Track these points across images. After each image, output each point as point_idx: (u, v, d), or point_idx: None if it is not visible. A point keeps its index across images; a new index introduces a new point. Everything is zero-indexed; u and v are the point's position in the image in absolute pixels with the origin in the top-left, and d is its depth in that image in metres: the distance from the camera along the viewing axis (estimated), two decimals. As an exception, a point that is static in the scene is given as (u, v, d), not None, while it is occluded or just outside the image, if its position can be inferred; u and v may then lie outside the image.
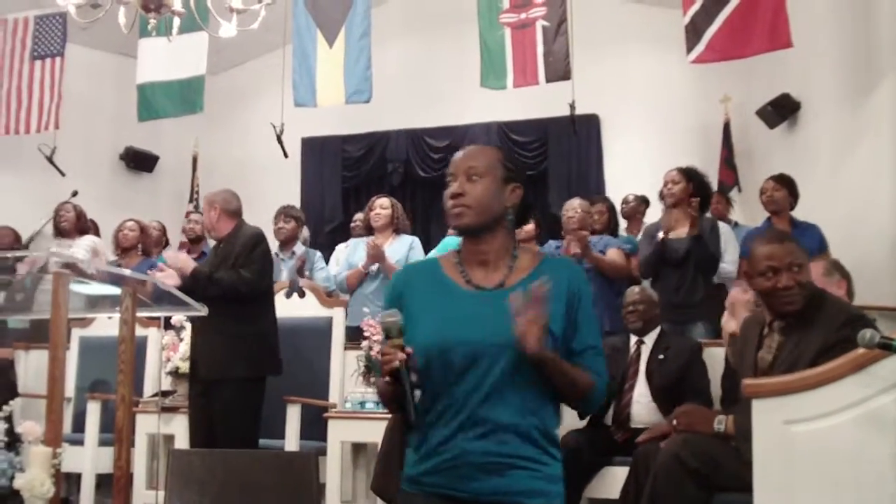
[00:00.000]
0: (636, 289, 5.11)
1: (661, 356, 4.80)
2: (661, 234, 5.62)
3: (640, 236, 6.41)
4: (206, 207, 5.15)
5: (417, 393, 2.12)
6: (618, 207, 7.53)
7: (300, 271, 6.21)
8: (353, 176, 10.67)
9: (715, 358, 4.82)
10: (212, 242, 5.56)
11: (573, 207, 6.15)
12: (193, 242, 7.42)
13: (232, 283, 4.84)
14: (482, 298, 2.24)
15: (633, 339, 4.94)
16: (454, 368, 2.16)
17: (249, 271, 4.91)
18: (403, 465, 2.31)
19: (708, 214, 5.87)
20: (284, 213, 6.77)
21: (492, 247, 2.29)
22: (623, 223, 7.59)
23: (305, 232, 7.39)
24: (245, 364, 4.87)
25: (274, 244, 6.65)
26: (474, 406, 2.15)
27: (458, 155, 2.33)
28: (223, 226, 5.10)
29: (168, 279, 4.53)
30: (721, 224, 5.94)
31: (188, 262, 4.93)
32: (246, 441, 4.83)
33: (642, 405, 4.72)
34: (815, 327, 3.16)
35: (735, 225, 7.06)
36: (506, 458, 2.14)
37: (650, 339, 4.92)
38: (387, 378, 2.13)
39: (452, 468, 2.16)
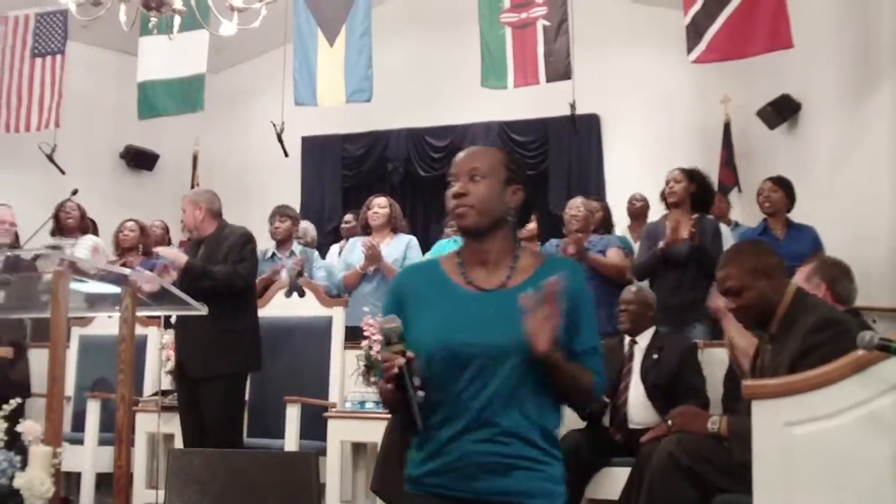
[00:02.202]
0: (632, 289, 5.11)
1: (655, 356, 4.81)
2: (661, 244, 5.60)
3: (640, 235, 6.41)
4: (191, 206, 5.19)
5: (421, 394, 2.11)
6: (624, 207, 7.55)
7: (300, 274, 6.19)
8: (354, 175, 10.67)
9: (714, 358, 4.82)
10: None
11: (576, 206, 6.16)
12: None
13: (227, 276, 4.94)
14: (483, 299, 2.23)
15: (627, 339, 4.95)
16: (456, 370, 2.16)
17: (243, 267, 5.04)
18: (405, 466, 2.31)
19: (710, 216, 5.86)
20: (279, 212, 6.78)
21: (493, 248, 2.29)
22: (626, 222, 7.60)
23: (312, 231, 7.36)
24: (231, 360, 4.97)
25: (271, 244, 6.67)
26: (477, 408, 2.15)
27: (461, 155, 2.33)
28: (207, 225, 5.18)
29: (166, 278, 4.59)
30: (722, 226, 5.94)
31: (180, 256, 4.99)
32: (235, 437, 4.92)
33: (638, 405, 4.74)
34: (793, 334, 3.16)
35: (735, 225, 7.06)
36: (509, 459, 2.14)
37: (644, 340, 4.92)
38: (389, 385, 2.12)
39: (455, 469, 2.16)
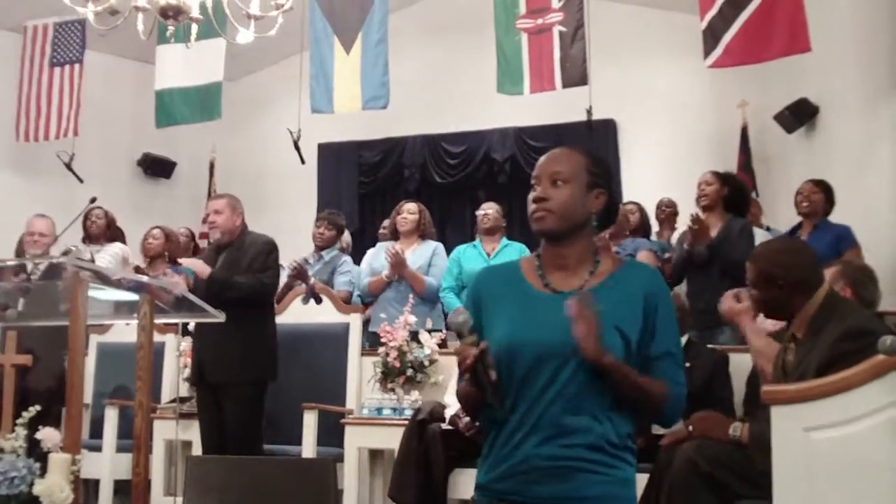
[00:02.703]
0: None
1: (688, 364, 4.78)
2: (685, 245, 5.60)
3: (675, 240, 6.39)
4: (230, 210, 5.18)
5: (493, 374, 2.10)
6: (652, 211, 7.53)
7: (301, 277, 6.04)
8: (370, 182, 10.68)
9: (741, 364, 4.78)
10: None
11: None
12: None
13: (252, 288, 4.97)
14: (557, 302, 2.17)
15: None
16: (522, 371, 2.14)
17: (267, 276, 5.08)
18: (421, 472, 2.32)
19: (741, 218, 5.81)
20: (328, 219, 6.65)
21: (573, 251, 2.26)
22: (654, 227, 7.57)
23: (348, 237, 7.32)
24: (256, 367, 5.00)
25: (309, 248, 6.62)
26: (542, 409, 2.12)
27: (544, 158, 2.30)
28: (236, 231, 5.21)
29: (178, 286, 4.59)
30: (757, 230, 5.91)
31: (205, 268, 4.99)
32: (256, 444, 4.93)
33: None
34: (821, 338, 3.13)
35: (767, 229, 7.01)
36: (574, 462, 2.11)
37: None
38: (466, 376, 2.11)
39: (521, 473, 2.13)
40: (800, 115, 8.01)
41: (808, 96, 7.84)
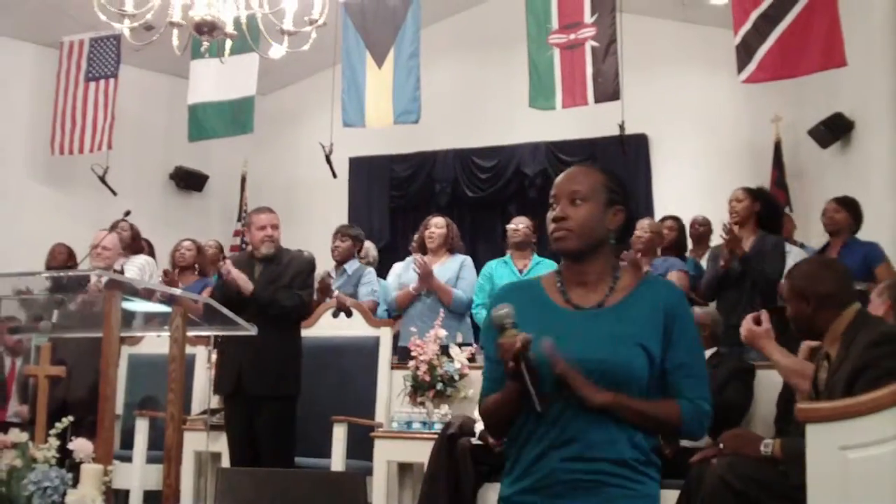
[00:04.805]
0: (696, 310, 5.06)
1: (709, 371, 4.75)
2: (721, 263, 5.57)
3: (706, 258, 6.35)
4: (276, 223, 5.30)
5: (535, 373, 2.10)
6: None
7: (325, 292, 6.15)
8: (401, 196, 10.70)
9: (770, 382, 4.73)
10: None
11: (643, 227, 6.16)
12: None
13: (294, 306, 5.12)
14: (580, 318, 2.22)
15: None
16: (547, 386, 2.13)
17: (307, 295, 5.27)
18: (451, 486, 2.31)
19: (775, 236, 5.76)
20: (342, 231, 6.76)
21: (593, 268, 2.28)
22: (689, 244, 7.52)
23: (373, 250, 7.32)
24: (292, 381, 5.09)
25: (330, 264, 6.67)
26: (565, 424, 2.14)
27: (562, 177, 2.33)
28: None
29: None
30: (790, 246, 5.87)
31: (248, 283, 5.03)
32: (288, 457, 4.96)
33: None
34: (851, 352, 3.12)
35: (802, 246, 6.95)
36: (597, 476, 2.12)
37: None
38: (511, 366, 2.10)
39: (545, 487, 2.14)
40: (835, 130, 7.94)
41: (842, 111, 7.77)
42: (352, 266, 6.61)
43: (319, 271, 6.13)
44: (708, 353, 4.89)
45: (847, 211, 6.00)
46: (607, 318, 2.20)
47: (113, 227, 7.12)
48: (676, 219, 7.07)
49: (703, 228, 7.48)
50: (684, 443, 4.61)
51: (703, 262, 6.35)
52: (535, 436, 2.17)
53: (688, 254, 7.22)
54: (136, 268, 6.77)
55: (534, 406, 2.10)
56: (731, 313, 5.45)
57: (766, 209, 5.72)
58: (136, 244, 7.29)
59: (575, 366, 2.12)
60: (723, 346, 4.99)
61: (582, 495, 2.12)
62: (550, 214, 2.28)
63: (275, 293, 5.07)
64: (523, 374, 2.09)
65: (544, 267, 6.11)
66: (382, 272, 6.93)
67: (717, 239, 6.84)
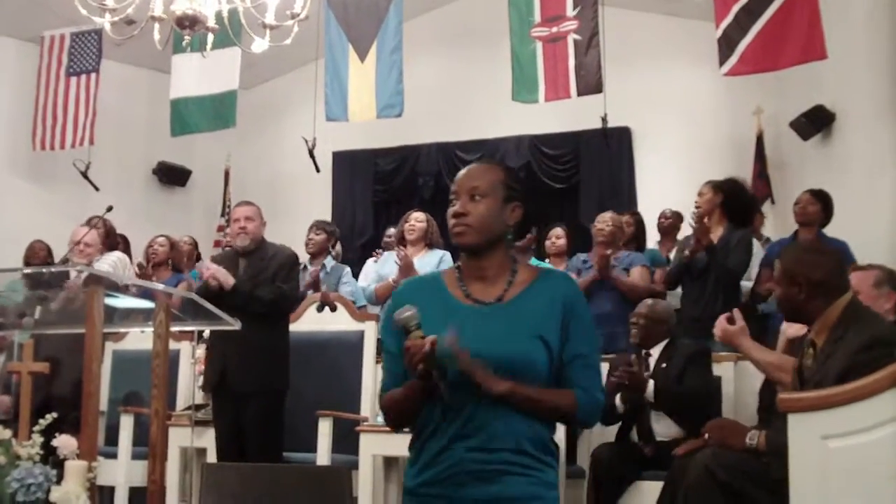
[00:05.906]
0: (648, 302, 5.08)
1: (664, 364, 4.80)
2: (686, 252, 5.61)
3: (674, 251, 6.37)
4: (258, 217, 5.32)
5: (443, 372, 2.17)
6: (654, 222, 7.49)
7: (315, 286, 6.19)
8: (385, 190, 10.70)
9: (748, 371, 4.75)
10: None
11: (604, 220, 6.15)
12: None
13: (273, 300, 5.09)
14: (480, 312, 2.30)
15: (644, 353, 4.93)
16: (450, 379, 2.19)
17: (290, 288, 5.22)
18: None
19: (743, 230, 5.77)
20: (316, 225, 6.83)
21: (491, 263, 2.35)
22: (656, 237, 7.54)
23: (338, 247, 7.38)
24: (278, 376, 5.09)
25: (304, 257, 6.69)
26: (468, 416, 2.21)
27: (462, 173, 2.40)
28: (260, 237, 5.32)
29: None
30: (755, 241, 5.90)
31: (228, 278, 5.02)
32: (276, 452, 4.97)
33: (659, 417, 4.72)
34: (841, 346, 3.10)
35: (766, 241, 6.98)
36: (498, 465, 2.19)
37: (656, 351, 4.94)
38: (419, 367, 2.14)
39: (449, 477, 2.21)
40: (816, 123, 7.97)
41: (824, 103, 7.80)
42: (330, 263, 6.68)
43: (305, 264, 6.16)
44: (661, 344, 4.93)
45: (820, 204, 6.03)
46: (507, 311, 2.27)
47: (90, 223, 7.10)
48: (635, 213, 7.11)
49: (669, 221, 7.51)
50: (659, 437, 4.66)
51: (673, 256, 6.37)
52: (440, 429, 2.24)
53: (656, 246, 7.26)
54: (107, 265, 6.72)
55: (443, 397, 2.17)
56: (692, 305, 5.49)
57: (734, 202, 5.72)
58: (110, 240, 7.25)
59: (477, 359, 2.17)
60: (685, 337, 5.01)
61: (483, 484, 2.19)
62: (450, 210, 2.34)
63: (254, 288, 5.06)
64: (432, 374, 2.14)
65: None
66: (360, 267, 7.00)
67: (686, 230, 6.89)
